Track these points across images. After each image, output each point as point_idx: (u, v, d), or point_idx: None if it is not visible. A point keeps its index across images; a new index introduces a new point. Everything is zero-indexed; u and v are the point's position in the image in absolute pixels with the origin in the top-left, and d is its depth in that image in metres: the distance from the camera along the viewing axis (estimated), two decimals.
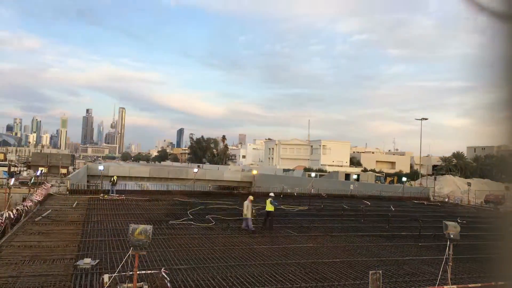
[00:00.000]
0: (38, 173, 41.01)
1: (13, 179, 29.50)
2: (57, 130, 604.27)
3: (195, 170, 62.37)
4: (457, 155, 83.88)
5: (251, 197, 20.66)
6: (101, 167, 54.30)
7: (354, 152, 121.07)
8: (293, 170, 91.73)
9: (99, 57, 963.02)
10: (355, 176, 65.63)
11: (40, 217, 20.75)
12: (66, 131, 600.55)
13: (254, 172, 79.88)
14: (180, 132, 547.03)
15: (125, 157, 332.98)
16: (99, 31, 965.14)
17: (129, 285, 9.25)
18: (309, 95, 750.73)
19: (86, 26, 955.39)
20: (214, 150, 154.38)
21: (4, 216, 16.65)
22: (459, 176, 70.56)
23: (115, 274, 9.81)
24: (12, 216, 17.87)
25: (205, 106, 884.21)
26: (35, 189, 28.85)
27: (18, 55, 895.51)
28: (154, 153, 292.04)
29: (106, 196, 31.37)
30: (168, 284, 10.20)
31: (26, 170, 57.72)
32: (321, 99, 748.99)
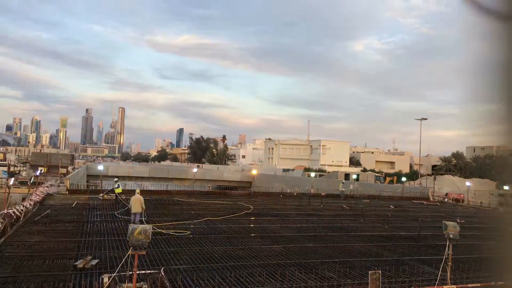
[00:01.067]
0: (38, 173, 41.03)
1: (12, 179, 29.50)
2: (56, 130, 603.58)
3: (195, 170, 62.37)
4: (457, 155, 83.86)
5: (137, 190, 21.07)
6: (100, 167, 54.28)
7: (353, 152, 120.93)
8: (293, 170, 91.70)
9: (188, 95, 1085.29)
10: (354, 176, 65.66)
11: (40, 217, 20.75)
12: (66, 131, 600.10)
13: (254, 172, 79.86)
14: (180, 132, 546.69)
15: (125, 157, 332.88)
16: (204, 85, 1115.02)
17: (129, 285, 9.24)
18: (325, 115, 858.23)
19: (196, 82, 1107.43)
20: (214, 150, 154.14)
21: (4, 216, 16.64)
22: (459, 176, 70.55)
23: (114, 274, 9.80)
24: (12, 216, 17.86)
25: (236, 117, 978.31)
26: (35, 189, 28.86)
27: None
28: (154, 153, 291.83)
29: (106, 196, 31.37)
30: (168, 284, 10.20)
31: (26, 170, 57.70)
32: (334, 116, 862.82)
